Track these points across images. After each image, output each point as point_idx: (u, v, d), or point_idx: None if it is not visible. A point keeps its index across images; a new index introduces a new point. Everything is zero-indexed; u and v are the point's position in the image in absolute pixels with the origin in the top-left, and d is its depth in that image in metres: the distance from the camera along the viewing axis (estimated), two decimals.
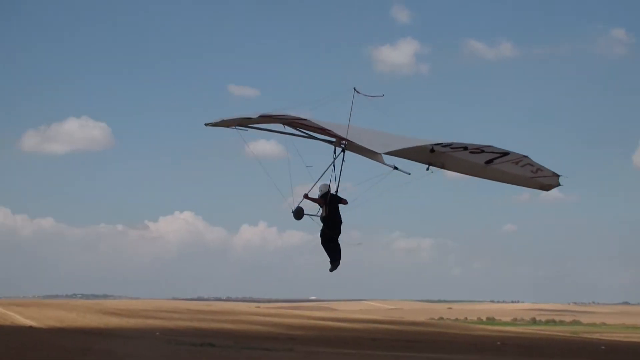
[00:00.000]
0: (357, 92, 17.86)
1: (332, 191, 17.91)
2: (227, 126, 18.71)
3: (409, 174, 17.75)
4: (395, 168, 17.52)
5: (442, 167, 18.08)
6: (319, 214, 18.01)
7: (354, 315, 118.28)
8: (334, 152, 17.88)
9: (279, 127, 18.24)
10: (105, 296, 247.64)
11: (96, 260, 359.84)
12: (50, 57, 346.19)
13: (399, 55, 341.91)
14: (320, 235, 18.04)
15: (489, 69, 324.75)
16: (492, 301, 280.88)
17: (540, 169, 17.23)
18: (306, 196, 17.79)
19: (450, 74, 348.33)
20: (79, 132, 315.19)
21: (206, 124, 18.42)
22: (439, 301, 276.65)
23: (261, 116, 17.30)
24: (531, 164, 16.98)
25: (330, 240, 18.04)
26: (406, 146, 16.90)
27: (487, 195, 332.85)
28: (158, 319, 69.88)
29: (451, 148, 16.72)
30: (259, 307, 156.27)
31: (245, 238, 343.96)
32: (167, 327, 59.86)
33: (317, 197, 17.91)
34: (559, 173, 17.37)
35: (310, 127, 17.70)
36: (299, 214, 17.85)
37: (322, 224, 17.97)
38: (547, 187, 18.36)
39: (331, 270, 18.16)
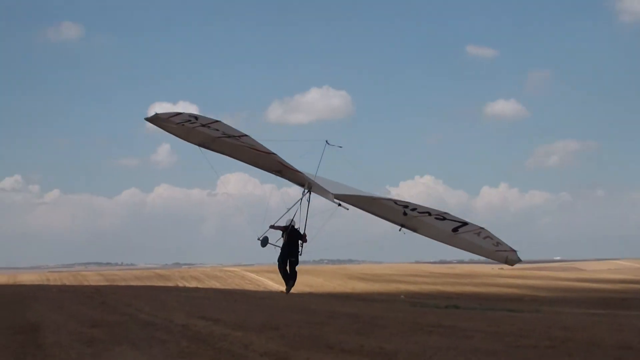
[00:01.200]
0: (329, 144, 20.66)
1: (299, 229, 20.89)
2: (185, 138, 21.13)
3: (347, 209, 20.78)
4: (339, 205, 20.44)
5: (415, 230, 20.23)
6: (279, 242, 21.00)
7: (602, 275, 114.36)
8: (302, 193, 20.87)
9: (252, 160, 21.17)
10: (349, 261, 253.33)
11: (341, 227, 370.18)
12: (291, 32, 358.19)
13: None
14: (277, 260, 21.04)
15: None
16: None
17: (499, 242, 18.36)
18: (272, 226, 20.87)
19: None
20: (320, 101, 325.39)
21: (146, 119, 20.29)
22: None
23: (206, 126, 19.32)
24: (490, 236, 18.17)
25: (285, 265, 20.95)
26: (354, 194, 19.97)
27: None
28: (402, 283, 70.97)
29: (418, 212, 18.79)
30: (502, 268, 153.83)
31: (486, 200, 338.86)
32: (411, 291, 60.69)
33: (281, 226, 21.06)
34: (514, 248, 18.56)
35: (280, 164, 19.84)
36: (264, 242, 20.80)
37: (280, 251, 20.99)
38: (510, 262, 19.32)
39: (286, 292, 21.20)
